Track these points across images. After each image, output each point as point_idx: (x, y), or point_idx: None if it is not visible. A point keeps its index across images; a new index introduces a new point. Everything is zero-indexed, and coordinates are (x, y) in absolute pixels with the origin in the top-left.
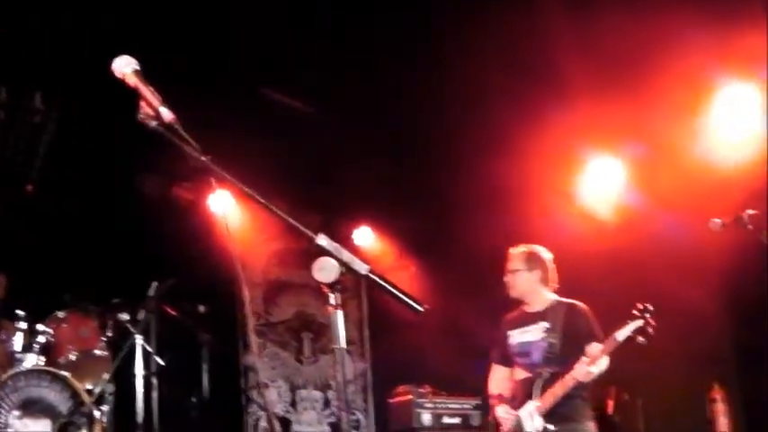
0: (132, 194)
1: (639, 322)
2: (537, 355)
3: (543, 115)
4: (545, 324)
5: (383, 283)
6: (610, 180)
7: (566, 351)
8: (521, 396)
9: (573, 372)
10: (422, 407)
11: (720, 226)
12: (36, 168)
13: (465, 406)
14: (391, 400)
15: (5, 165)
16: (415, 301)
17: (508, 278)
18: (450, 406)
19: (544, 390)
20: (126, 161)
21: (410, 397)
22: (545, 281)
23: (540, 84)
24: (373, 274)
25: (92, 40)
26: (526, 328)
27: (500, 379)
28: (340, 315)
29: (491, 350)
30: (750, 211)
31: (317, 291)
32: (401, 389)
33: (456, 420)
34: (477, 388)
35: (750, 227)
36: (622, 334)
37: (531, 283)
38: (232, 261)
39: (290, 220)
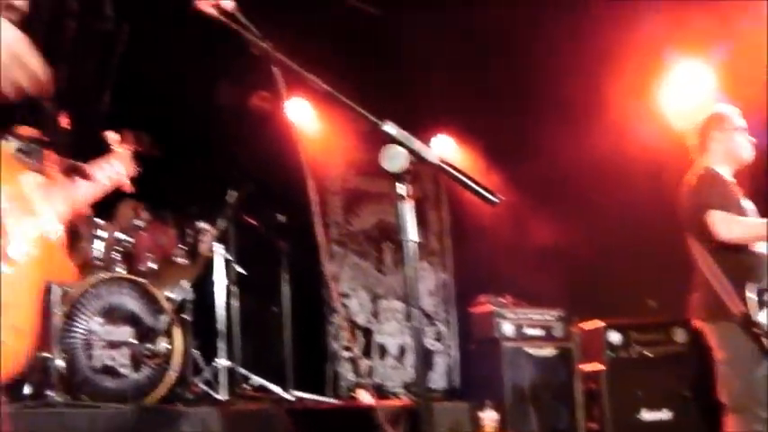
0: (210, 104)
1: None
2: None
3: (629, 17)
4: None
5: (455, 173)
6: (695, 86)
7: None
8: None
9: None
10: (503, 317)
11: None
12: (110, 78)
13: (547, 317)
14: (472, 311)
15: (79, 75)
16: (489, 192)
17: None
18: (532, 317)
19: None
20: (201, 70)
21: (491, 307)
22: None
23: None
24: (444, 163)
25: None
26: (745, 200)
27: None
28: (409, 206)
29: (715, 197)
30: None
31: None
32: (482, 299)
33: (538, 332)
34: (558, 300)
35: None
36: None
37: None
38: (304, 169)
39: (356, 107)
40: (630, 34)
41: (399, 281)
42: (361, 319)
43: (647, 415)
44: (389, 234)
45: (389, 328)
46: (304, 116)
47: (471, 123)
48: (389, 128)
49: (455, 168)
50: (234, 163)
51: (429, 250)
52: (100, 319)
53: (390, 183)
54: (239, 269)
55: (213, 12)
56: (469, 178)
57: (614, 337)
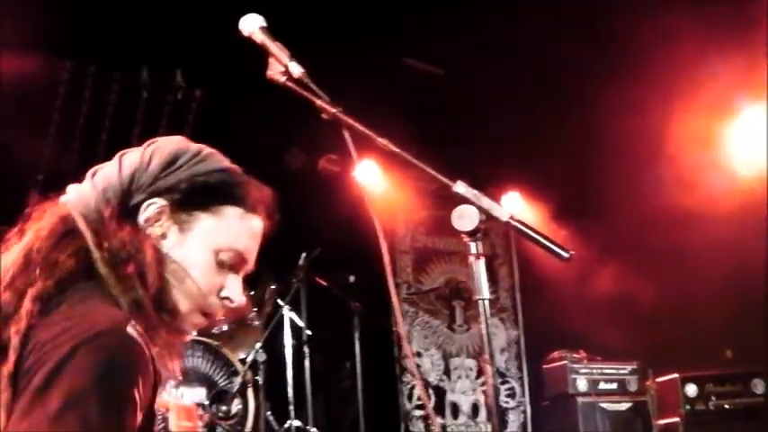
0: (279, 169)
1: None
2: None
3: (697, 65)
4: None
5: (525, 230)
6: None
7: None
8: None
9: None
10: (577, 372)
11: None
12: None
13: (621, 371)
14: (545, 367)
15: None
16: (559, 247)
17: None
18: (605, 371)
19: None
20: (271, 135)
21: (564, 362)
22: None
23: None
24: (514, 220)
25: (232, 15)
26: None
27: None
28: (482, 264)
29: None
30: None
31: (468, 258)
32: (555, 354)
33: (613, 386)
34: (633, 353)
35: None
36: None
37: None
38: (376, 229)
39: (426, 168)
40: (698, 83)
41: (471, 338)
42: (432, 378)
43: None
44: (460, 292)
45: (462, 386)
46: (372, 176)
47: (540, 180)
48: (460, 187)
49: (526, 225)
50: (305, 225)
51: (500, 307)
52: (173, 382)
53: (461, 241)
54: (307, 331)
55: (283, 80)
56: (540, 234)
57: (690, 389)
